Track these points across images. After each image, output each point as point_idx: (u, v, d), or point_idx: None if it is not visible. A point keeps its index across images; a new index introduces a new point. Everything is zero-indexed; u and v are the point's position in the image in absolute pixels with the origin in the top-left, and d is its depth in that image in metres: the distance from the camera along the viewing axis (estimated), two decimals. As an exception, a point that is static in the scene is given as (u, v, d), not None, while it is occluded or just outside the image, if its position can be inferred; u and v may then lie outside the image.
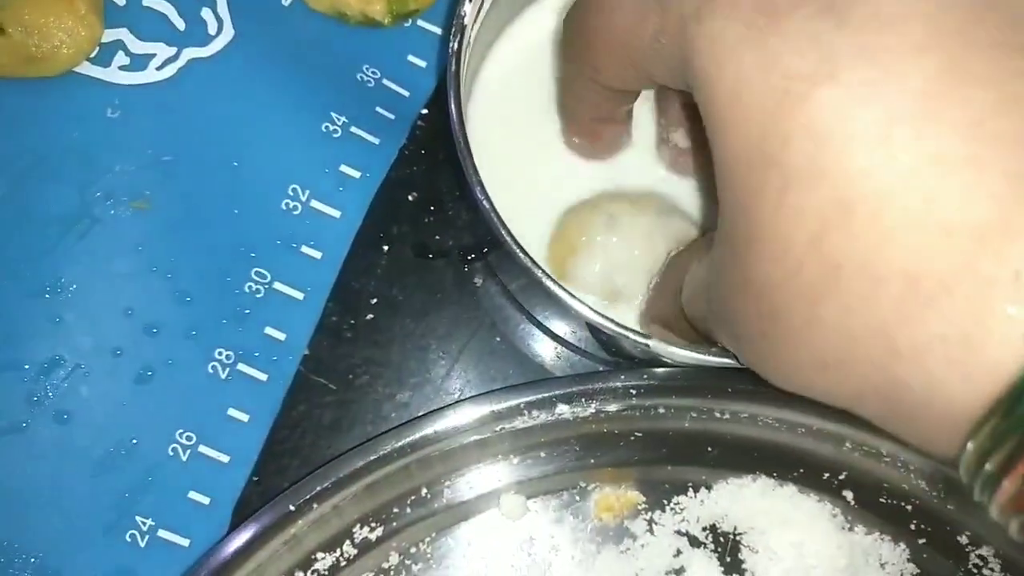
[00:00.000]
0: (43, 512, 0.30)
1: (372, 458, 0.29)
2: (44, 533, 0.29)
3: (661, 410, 0.30)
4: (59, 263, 0.31)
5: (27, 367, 0.30)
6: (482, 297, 0.34)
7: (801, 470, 0.31)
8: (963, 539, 0.31)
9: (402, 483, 0.30)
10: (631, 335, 0.25)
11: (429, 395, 0.33)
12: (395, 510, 0.30)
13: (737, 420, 0.31)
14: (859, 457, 0.31)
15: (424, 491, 0.30)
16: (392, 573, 0.30)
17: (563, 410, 0.29)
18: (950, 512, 0.31)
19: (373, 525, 0.30)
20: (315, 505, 0.28)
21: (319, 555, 0.30)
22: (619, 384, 0.30)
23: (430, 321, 0.33)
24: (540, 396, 0.29)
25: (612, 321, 0.26)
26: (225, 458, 0.31)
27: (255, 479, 0.31)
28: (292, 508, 0.28)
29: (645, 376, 0.30)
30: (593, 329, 0.28)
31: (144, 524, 0.30)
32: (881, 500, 0.31)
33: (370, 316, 0.33)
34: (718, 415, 0.30)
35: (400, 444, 0.29)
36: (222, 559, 0.28)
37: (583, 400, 0.29)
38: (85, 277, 0.31)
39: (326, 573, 0.30)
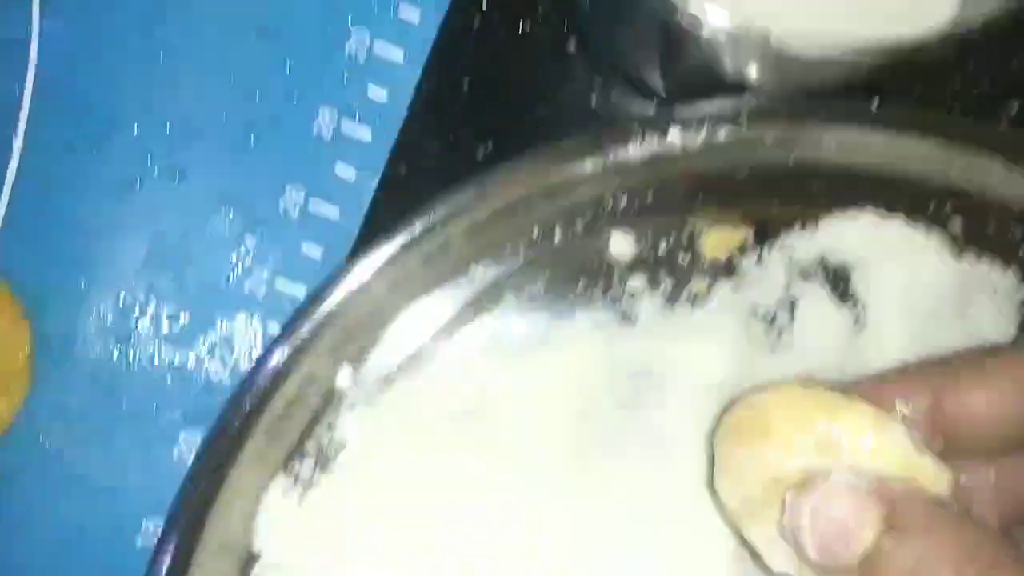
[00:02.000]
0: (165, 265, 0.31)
1: (488, 189, 0.29)
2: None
3: (768, 141, 0.30)
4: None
5: (136, 125, 0.31)
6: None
7: (908, 200, 0.31)
8: (1075, 258, 0.31)
9: (515, 221, 0.30)
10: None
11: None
12: (508, 249, 0.31)
13: (844, 149, 0.31)
14: (967, 183, 0.31)
15: (536, 232, 0.31)
16: (510, 312, 0.31)
17: (674, 135, 0.30)
18: (1061, 234, 0.31)
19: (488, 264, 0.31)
20: (437, 227, 0.29)
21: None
22: (727, 112, 0.30)
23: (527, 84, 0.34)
24: (652, 117, 0.29)
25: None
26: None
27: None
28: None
29: (753, 103, 0.30)
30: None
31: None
32: (990, 227, 0.31)
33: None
34: (825, 146, 0.31)
35: (517, 175, 0.29)
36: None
37: (694, 124, 0.30)
38: (191, 40, 0.32)
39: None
